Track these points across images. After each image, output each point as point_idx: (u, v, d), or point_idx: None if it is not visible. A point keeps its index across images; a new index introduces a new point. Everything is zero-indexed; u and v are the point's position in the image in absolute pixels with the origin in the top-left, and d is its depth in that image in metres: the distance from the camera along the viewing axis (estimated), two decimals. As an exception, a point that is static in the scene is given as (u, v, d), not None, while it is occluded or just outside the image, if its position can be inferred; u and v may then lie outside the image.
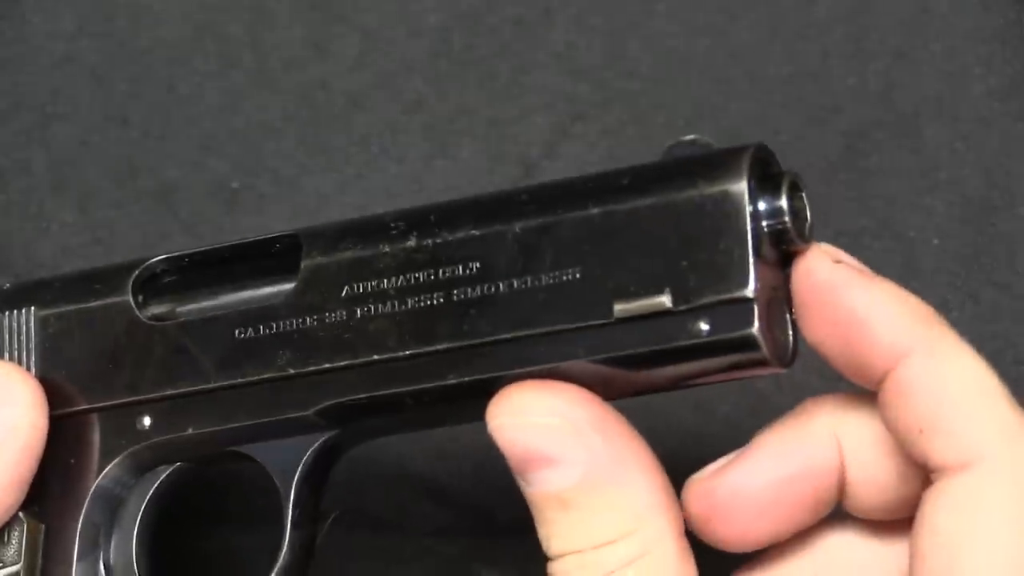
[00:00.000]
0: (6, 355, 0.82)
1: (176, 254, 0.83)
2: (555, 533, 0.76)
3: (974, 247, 1.02)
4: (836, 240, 1.02)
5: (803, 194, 0.77)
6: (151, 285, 0.83)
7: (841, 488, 0.78)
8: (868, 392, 0.77)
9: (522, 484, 0.77)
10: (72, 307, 0.82)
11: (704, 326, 0.74)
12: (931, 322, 0.75)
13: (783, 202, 0.76)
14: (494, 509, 0.99)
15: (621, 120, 1.03)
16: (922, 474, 0.75)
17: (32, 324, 0.82)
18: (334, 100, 1.02)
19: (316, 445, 0.81)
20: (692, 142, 0.78)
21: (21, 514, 0.81)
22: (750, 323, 0.74)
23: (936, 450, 0.73)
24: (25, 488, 0.80)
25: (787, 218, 0.75)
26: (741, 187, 0.74)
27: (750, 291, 0.74)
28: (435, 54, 1.02)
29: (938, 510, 0.73)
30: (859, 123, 1.03)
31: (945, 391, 0.74)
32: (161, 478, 0.83)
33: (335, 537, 0.98)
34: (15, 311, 0.82)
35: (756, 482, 0.78)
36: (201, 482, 0.85)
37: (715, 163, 0.75)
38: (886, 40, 1.03)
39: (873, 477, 0.77)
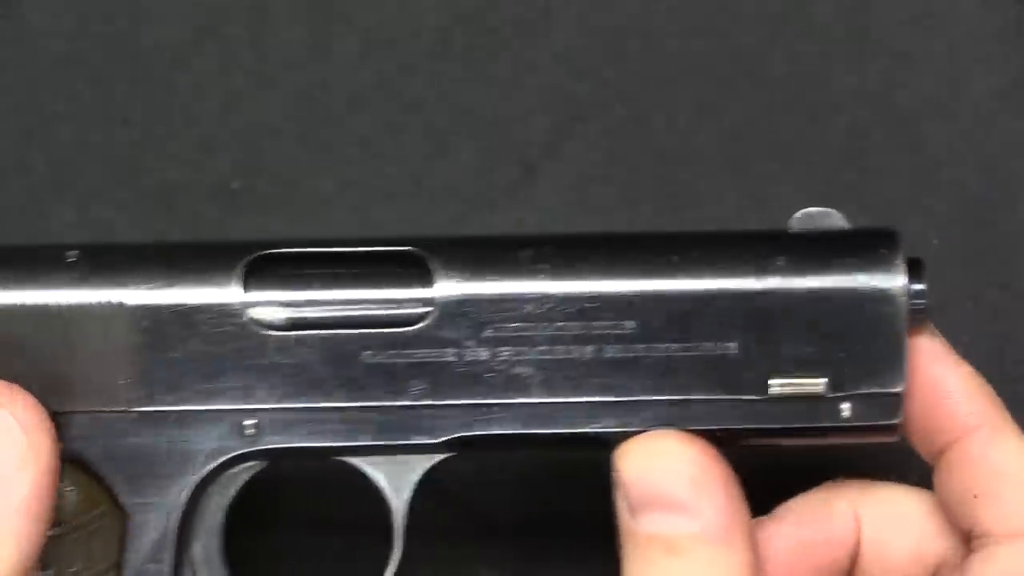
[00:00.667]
0: (103, 345, 0.79)
1: (282, 251, 0.81)
2: (653, 574, 0.78)
3: (974, 247, 1.02)
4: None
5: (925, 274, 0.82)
6: (256, 279, 0.81)
7: (854, 561, 0.85)
8: (890, 482, 0.86)
9: (628, 519, 0.79)
10: (173, 303, 0.80)
11: (848, 410, 0.80)
12: (998, 405, 0.83)
13: (923, 287, 0.81)
14: (495, 511, 0.99)
15: (621, 120, 1.03)
16: (934, 560, 0.84)
17: (130, 316, 0.79)
18: (334, 100, 1.02)
19: (430, 466, 0.82)
20: (824, 214, 0.82)
21: (116, 507, 0.80)
22: (896, 415, 0.81)
23: (988, 516, 0.81)
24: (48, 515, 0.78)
25: (925, 303, 0.81)
26: (901, 288, 0.80)
27: (902, 387, 0.80)
28: (435, 54, 1.02)
29: (986, 572, 0.80)
30: (859, 123, 1.03)
31: (1005, 465, 0.81)
32: (249, 477, 0.82)
33: (335, 538, 0.98)
34: (107, 297, 0.79)
35: (779, 544, 0.84)
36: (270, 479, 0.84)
37: (871, 256, 0.80)
38: (886, 40, 1.03)
39: (886, 555, 0.84)
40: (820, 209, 0.83)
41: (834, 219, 0.83)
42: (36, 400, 0.78)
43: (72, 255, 0.80)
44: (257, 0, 1.02)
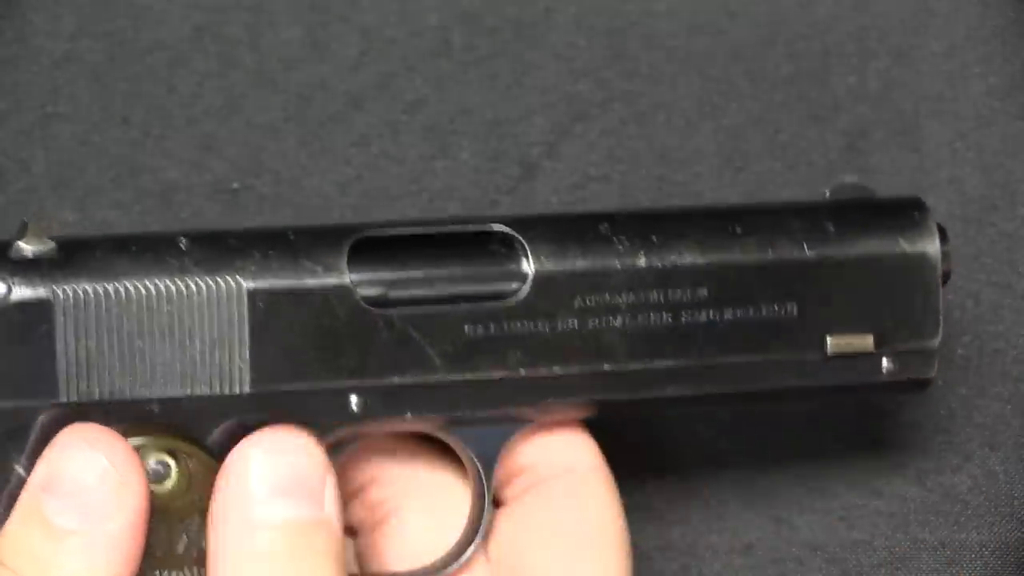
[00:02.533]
0: (217, 328, 0.80)
1: (383, 232, 0.83)
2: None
3: (974, 247, 1.02)
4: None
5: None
6: (359, 260, 0.83)
7: None
8: None
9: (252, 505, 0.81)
10: (285, 284, 0.81)
11: (889, 365, 0.87)
12: None
13: (948, 249, 0.87)
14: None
15: (621, 120, 1.03)
16: None
17: (243, 299, 0.81)
18: (334, 100, 1.02)
19: (516, 434, 0.86)
20: (855, 185, 0.89)
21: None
22: (931, 368, 0.87)
23: None
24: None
25: (951, 264, 0.88)
26: (936, 250, 0.87)
27: (937, 342, 0.87)
28: (435, 54, 1.02)
29: None
30: (859, 123, 1.03)
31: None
32: (347, 452, 0.86)
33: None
34: (220, 281, 0.81)
35: None
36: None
37: (909, 222, 0.87)
38: (886, 40, 1.03)
39: None
40: (852, 180, 0.90)
41: (863, 188, 0.89)
42: (128, 443, 0.79)
43: (183, 241, 0.81)
44: (257, 0, 1.02)
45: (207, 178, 1.01)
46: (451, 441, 0.86)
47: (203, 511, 0.80)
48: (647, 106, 1.03)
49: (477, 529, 0.86)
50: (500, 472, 0.86)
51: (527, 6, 1.03)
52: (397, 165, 1.02)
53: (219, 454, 0.81)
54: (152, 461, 0.80)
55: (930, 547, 1.01)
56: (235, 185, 1.01)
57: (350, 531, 0.90)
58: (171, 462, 0.80)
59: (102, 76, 1.01)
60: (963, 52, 1.03)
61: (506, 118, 1.02)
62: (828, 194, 0.89)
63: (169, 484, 0.80)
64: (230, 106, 1.01)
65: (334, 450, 0.83)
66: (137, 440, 0.80)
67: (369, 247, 0.83)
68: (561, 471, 0.87)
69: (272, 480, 0.79)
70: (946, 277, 0.87)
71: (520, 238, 0.84)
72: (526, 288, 0.83)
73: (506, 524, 0.87)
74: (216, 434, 0.81)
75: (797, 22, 1.03)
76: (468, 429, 0.85)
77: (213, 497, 0.80)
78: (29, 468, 0.79)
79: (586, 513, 0.86)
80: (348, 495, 0.88)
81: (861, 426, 1.02)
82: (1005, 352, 1.02)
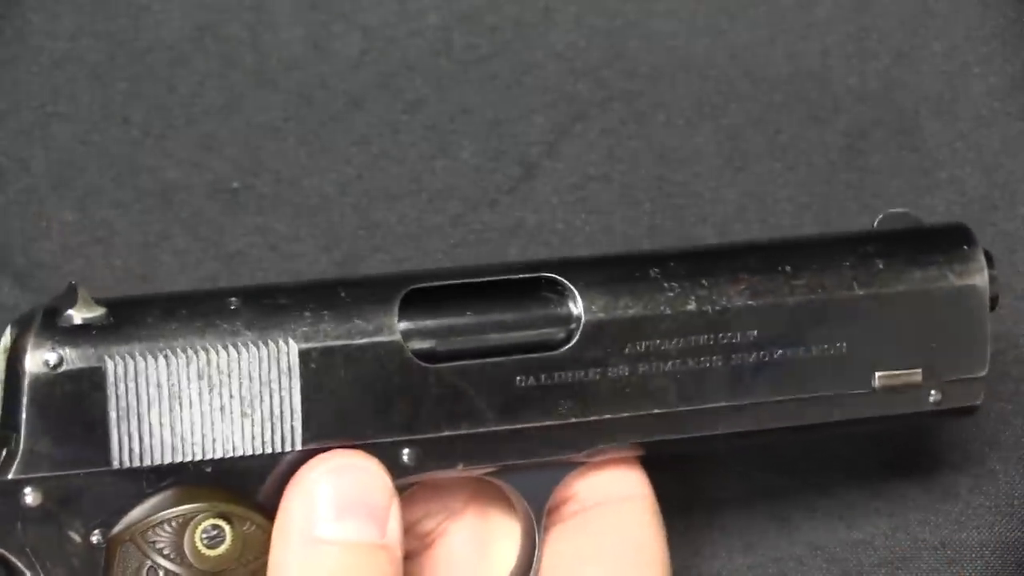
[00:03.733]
0: (269, 388, 0.81)
1: (432, 284, 0.83)
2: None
3: (974, 247, 1.02)
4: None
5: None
6: (409, 311, 0.83)
7: None
8: None
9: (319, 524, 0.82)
10: (336, 343, 0.81)
11: (936, 396, 0.88)
12: None
13: (995, 274, 0.88)
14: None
15: (621, 120, 1.03)
16: None
17: (294, 359, 0.81)
18: (334, 100, 1.02)
19: (567, 476, 0.86)
20: (903, 215, 0.90)
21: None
22: (979, 397, 0.89)
23: None
24: None
25: (999, 289, 0.89)
26: (985, 282, 0.88)
27: (985, 372, 0.88)
28: (435, 54, 1.02)
29: None
30: (859, 123, 1.03)
31: None
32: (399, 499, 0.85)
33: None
34: (271, 342, 0.81)
35: None
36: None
37: (957, 255, 0.88)
38: (886, 40, 1.04)
39: None
40: (900, 210, 0.90)
41: (911, 218, 0.90)
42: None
43: (233, 302, 0.82)
44: (257, 0, 1.02)
45: (207, 178, 1.01)
46: (502, 486, 0.86)
47: (256, 573, 0.81)
48: (647, 106, 1.03)
49: (527, 570, 0.86)
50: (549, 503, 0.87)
51: (527, 6, 1.03)
52: (397, 165, 1.02)
53: (273, 515, 0.81)
54: (207, 525, 0.80)
55: (930, 547, 1.01)
56: (235, 185, 1.01)
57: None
58: (225, 526, 0.81)
59: (102, 76, 1.01)
60: (963, 52, 1.03)
61: (506, 118, 1.02)
62: (876, 225, 0.90)
63: (223, 548, 0.80)
64: (230, 106, 1.01)
65: None
66: (192, 505, 0.80)
67: (418, 298, 0.83)
68: (606, 499, 0.87)
69: (338, 499, 0.80)
70: (994, 302, 0.88)
71: (570, 285, 0.84)
72: (576, 336, 0.84)
73: (549, 548, 0.87)
74: (270, 494, 0.81)
75: (797, 22, 1.03)
76: (518, 474, 0.85)
77: (279, 513, 0.80)
78: (85, 535, 0.80)
79: (628, 540, 0.86)
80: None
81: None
82: (1005, 352, 1.02)
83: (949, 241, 0.88)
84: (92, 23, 1.01)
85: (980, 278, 0.88)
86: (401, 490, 0.84)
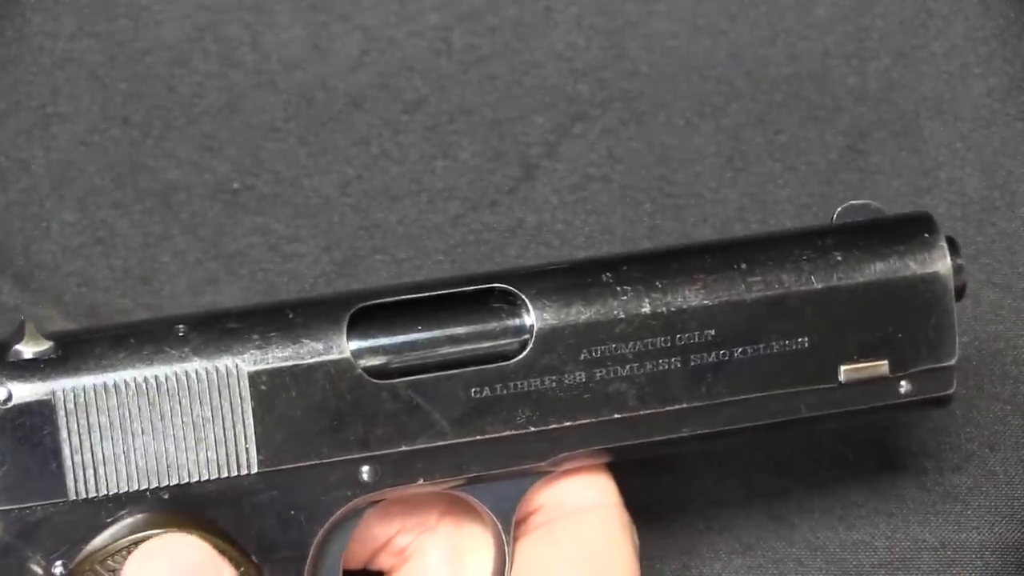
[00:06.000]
0: (221, 413, 0.81)
1: (381, 301, 0.83)
2: None
3: (974, 247, 1.02)
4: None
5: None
6: (358, 329, 0.83)
7: None
8: None
9: None
10: (286, 364, 0.82)
11: (906, 387, 0.87)
12: None
13: (962, 262, 0.87)
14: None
15: (621, 120, 1.03)
16: None
17: (244, 383, 0.81)
18: (334, 100, 1.02)
19: (532, 485, 0.86)
20: (864, 207, 0.89)
21: (250, 563, 0.82)
22: (950, 386, 0.87)
23: None
24: None
25: (965, 278, 0.87)
26: (948, 269, 0.86)
27: (954, 360, 0.86)
28: (435, 54, 1.02)
29: None
30: (859, 123, 1.03)
31: None
32: (364, 517, 0.85)
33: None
34: (220, 367, 0.81)
35: None
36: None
37: (917, 242, 0.86)
38: (886, 40, 1.03)
39: None
40: (860, 202, 0.89)
41: (872, 210, 0.89)
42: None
43: (181, 328, 0.82)
44: (257, 0, 1.02)
45: (207, 178, 1.01)
46: (468, 499, 0.86)
47: None
48: (647, 106, 1.03)
49: None
50: (516, 514, 0.87)
51: (527, 6, 1.03)
52: (397, 165, 1.02)
53: (236, 536, 0.82)
54: None
55: (930, 547, 1.01)
56: (235, 185, 1.01)
57: (378, 574, 0.91)
58: None
59: (102, 76, 1.01)
60: (963, 53, 1.03)
61: (506, 118, 1.02)
62: (835, 218, 0.89)
63: None
64: (230, 106, 1.01)
65: (351, 517, 0.84)
66: (150, 532, 0.80)
67: (368, 315, 0.83)
68: (571, 509, 0.87)
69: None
70: (960, 291, 0.87)
71: (521, 294, 0.84)
72: (530, 345, 0.83)
73: (518, 559, 0.87)
74: (228, 518, 0.82)
75: (797, 22, 1.03)
76: (483, 486, 0.85)
77: None
78: (47, 566, 0.80)
79: (591, 550, 0.86)
80: (376, 548, 0.89)
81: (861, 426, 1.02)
82: (1005, 352, 1.02)
83: (909, 230, 0.87)
84: (92, 23, 1.01)
85: (942, 265, 0.86)
86: (364, 508, 0.84)
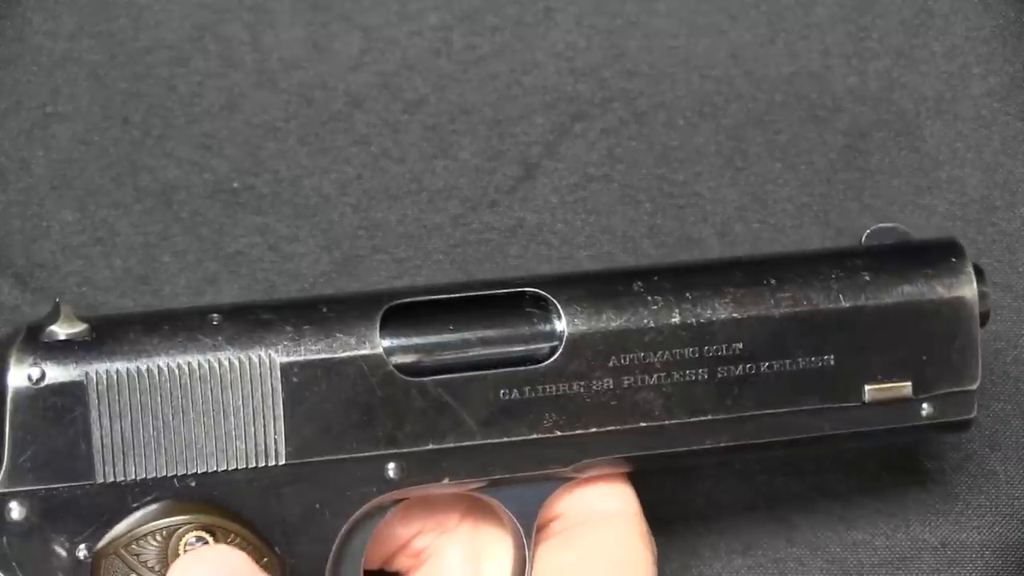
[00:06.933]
0: (251, 403, 0.81)
1: (415, 300, 0.84)
2: None
3: (974, 247, 1.02)
4: (837, 240, 1.02)
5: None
6: (391, 327, 0.83)
7: None
8: None
9: None
10: (318, 357, 0.82)
11: (928, 409, 0.88)
12: None
13: (987, 290, 0.89)
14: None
15: (621, 120, 1.03)
16: None
17: (276, 373, 0.82)
18: (334, 100, 1.02)
19: (555, 491, 0.86)
20: (891, 230, 0.90)
21: (274, 555, 0.82)
22: (971, 410, 0.89)
23: None
24: None
25: (990, 304, 0.89)
26: (974, 295, 0.88)
27: (976, 385, 0.87)
28: (435, 54, 1.02)
29: None
30: (859, 123, 1.03)
31: None
32: (387, 515, 0.85)
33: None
34: (253, 357, 0.81)
35: None
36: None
37: (945, 267, 0.88)
38: (886, 40, 1.03)
39: None
40: (888, 225, 0.91)
41: (899, 232, 0.91)
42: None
43: (215, 317, 0.82)
44: (257, 0, 1.02)
45: (207, 178, 1.01)
46: (491, 501, 0.86)
47: None
48: (647, 106, 1.03)
49: None
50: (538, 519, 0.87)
51: (527, 6, 1.03)
52: (397, 165, 1.02)
53: (261, 528, 0.82)
54: (191, 538, 0.81)
55: (930, 547, 1.01)
56: (235, 185, 1.01)
57: (394, 574, 0.92)
58: (210, 539, 0.81)
59: (102, 76, 1.01)
60: (963, 52, 1.03)
61: (506, 118, 1.02)
62: (864, 239, 0.90)
63: None
64: (230, 106, 1.01)
65: (375, 514, 0.84)
66: (176, 518, 0.81)
67: (401, 313, 0.84)
68: (591, 516, 0.87)
69: None
70: (984, 318, 0.88)
71: (553, 300, 0.85)
72: (560, 350, 0.84)
73: (538, 565, 0.87)
74: (254, 507, 0.82)
75: (797, 22, 1.03)
76: (506, 489, 0.85)
77: None
78: (71, 549, 0.80)
79: (610, 558, 0.86)
80: (395, 549, 0.89)
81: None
82: (1005, 352, 1.02)
83: (937, 254, 0.89)
84: (92, 23, 1.01)
85: (969, 290, 0.88)
86: (389, 505, 0.84)
